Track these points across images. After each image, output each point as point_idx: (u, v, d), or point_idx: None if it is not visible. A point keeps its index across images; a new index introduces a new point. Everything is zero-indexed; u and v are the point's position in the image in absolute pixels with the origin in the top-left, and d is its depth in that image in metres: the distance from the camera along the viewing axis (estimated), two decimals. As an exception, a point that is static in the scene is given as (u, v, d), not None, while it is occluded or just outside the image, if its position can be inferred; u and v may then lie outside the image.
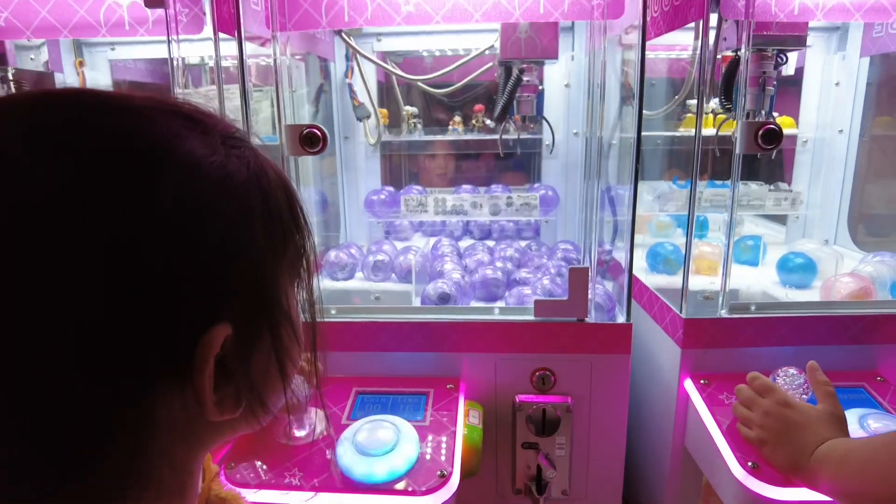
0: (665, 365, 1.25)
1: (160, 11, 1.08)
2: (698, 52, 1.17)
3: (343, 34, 1.58)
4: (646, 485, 1.44)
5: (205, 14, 1.10)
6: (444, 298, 1.30)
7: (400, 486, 0.93)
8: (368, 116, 1.76)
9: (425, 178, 1.96)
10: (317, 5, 1.12)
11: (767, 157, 1.12)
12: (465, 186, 1.80)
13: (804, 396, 0.97)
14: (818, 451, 0.83)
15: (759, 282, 1.46)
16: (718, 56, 1.21)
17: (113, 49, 1.63)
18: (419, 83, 1.67)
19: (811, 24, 1.21)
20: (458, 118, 1.81)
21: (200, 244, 0.35)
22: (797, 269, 1.42)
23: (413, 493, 0.91)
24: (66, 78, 1.59)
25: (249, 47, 1.11)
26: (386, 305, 1.41)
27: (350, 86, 1.72)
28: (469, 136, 1.80)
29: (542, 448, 1.18)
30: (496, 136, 1.52)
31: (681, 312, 1.17)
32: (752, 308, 1.18)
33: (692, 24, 1.18)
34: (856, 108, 1.62)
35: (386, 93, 1.84)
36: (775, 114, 1.29)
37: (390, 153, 1.89)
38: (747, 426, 0.97)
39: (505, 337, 1.18)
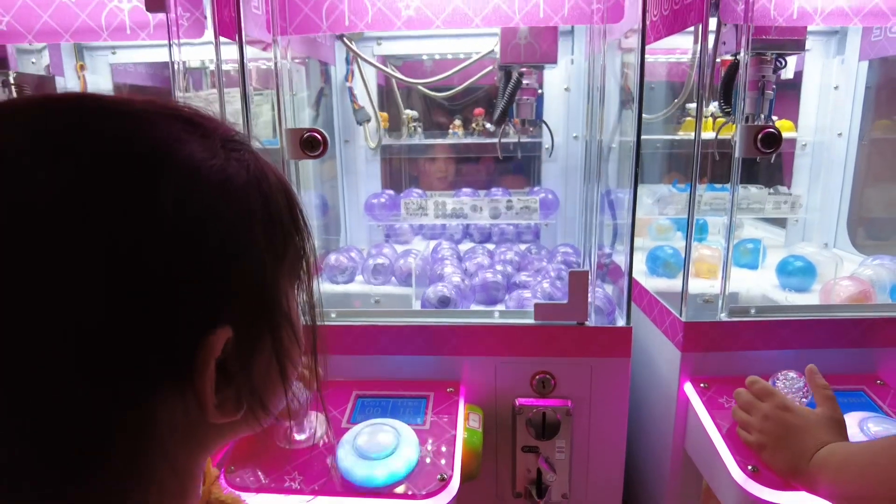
0: (665, 368, 1.25)
1: (161, 15, 1.08)
2: (698, 55, 1.18)
3: (344, 38, 1.58)
4: (646, 488, 1.43)
5: (206, 18, 1.11)
6: (444, 302, 1.30)
7: (400, 489, 0.93)
8: (368, 120, 1.77)
9: (425, 181, 1.96)
10: (317, 9, 1.13)
11: (767, 160, 1.12)
12: (465, 190, 1.80)
13: (804, 400, 0.97)
14: (817, 455, 0.83)
15: (758, 285, 1.46)
16: (718, 60, 1.22)
17: (114, 53, 1.64)
18: (419, 87, 1.67)
19: (810, 28, 1.22)
20: (458, 122, 1.82)
21: (201, 248, 0.35)
22: (797, 272, 1.42)
23: (413, 497, 0.91)
24: (67, 81, 1.59)
25: (250, 51, 1.11)
26: (386, 309, 1.41)
27: (350, 89, 1.73)
28: (469, 140, 1.81)
29: (542, 451, 1.18)
30: (496, 140, 1.53)
31: (680, 316, 1.17)
32: (752, 311, 1.18)
33: (692, 28, 1.19)
34: (855, 112, 1.62)
35: (386, 96, 1.84)
36: (774, 117, 1.30)
37: (390, 157, 1.90)
38: (747, 430, 0.97)
39: (505, 340, 1.18)
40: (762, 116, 1.24)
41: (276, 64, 1.16)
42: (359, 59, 1.65)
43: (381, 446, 0.96)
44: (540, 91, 1.44)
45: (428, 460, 0.98)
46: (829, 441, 0.84)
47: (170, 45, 1.08)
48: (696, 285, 1.26)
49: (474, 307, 1.36)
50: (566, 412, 1.16)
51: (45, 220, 0.31)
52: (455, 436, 1.05)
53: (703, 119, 1.13)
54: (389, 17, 1.11)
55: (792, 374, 1.00)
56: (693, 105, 1.36)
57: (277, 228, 0.41)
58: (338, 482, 0.94)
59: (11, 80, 1.34)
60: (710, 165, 1.28)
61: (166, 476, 0.38)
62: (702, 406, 1.10)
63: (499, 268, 1.46)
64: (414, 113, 1.81)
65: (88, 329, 0.32)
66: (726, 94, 1.26)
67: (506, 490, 1.25)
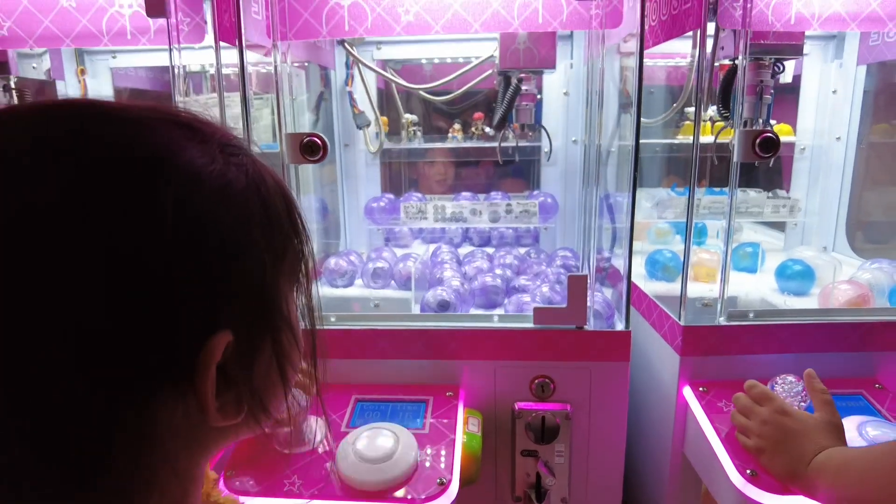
0: (664, 372, 1.25)
1: (162, 21, 1.08)
2: (696, 60, 1.18)
3: (345, 43, 1.59)
4: (645, 492, 1.43)
5: (206, 23, 1.11)
6: (443, 306, 1.30)
7: (399, 493, 0.93)
8: (368, 124, 1.77)
9: (425, 185, 1.97)
10: (317, 15, 1.13)
11: (766, 164, 1.13)
12: (464, 194, 1.80)
13: (802, 404, 0.97)
14: (816, 459, 0.83)
15: (757, 289, 1.46)
16: (716, 64, 1.22)
17: (114, 57, 1.64)
18: (419, 91, 1.68)
19: (808, 33, 1.22)
20: (457, 126, 1.82)
21: (201, 252, 0.35)
22: (795, 276, 1.42)
23: (412, 501, 0.91)
24: (68, 86, 1.60)
25: (250, 55, 1.12)
26: (385, 313, 1.41)
27: (350, 94, 1.73)
28: (468, 144, 1.81)
29: (542, 455, 1.18)
30: (495, 144, 1.53)
31: (679, 320, 1.17)
32: (751, 315, 1.18)
33: (690, 33, 1.19)
34: (853, 116, 1.63)
35: (386, 100, 1.85)
36: (773, 122, 1.30)
37: (390, 160, 1.90)
38: (745, 435, 0.97)
39: (504, 344, 1.18)
40: (760, 121, 1.25)
41: (276, 68, 1.16)
42: (359, 64, 1.66)
43: (381, 450, 0.96)
44: (539, 96, 1.44)
45: (427, 464, 0.98)
46: (827, 445, 0.84)
47: (170, 50, 1.09)
48: (695, 289, 1.27)
49: (473, 311, 1.36)
50: (565, 416, 1.16)
51: (46, 224, 0.31)
52: (454, 440, 1.05)
53: (702, 123, 1.14)
54: (389, 23, 1.12)
55: (791, 378, 1.01)
56: (692, 109, 1.37)
57: (276, 232, 0.41)
58: (337, 486, 0.94)
59: (12, 85, 1.35)
60: (709, 169, 1.28)
61: (168, 478, 0.38)
62: (701, 410, 1.10)
63: (498, 272, 1.46)
64: (413, 117, 1.82)
65: (88, 330, 0.32)
66: (725, 99, 1.26)
67: (505, 494, 1.25)
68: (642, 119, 1.12)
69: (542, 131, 1.63)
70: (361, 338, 1.20)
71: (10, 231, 0.31)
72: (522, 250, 1.71)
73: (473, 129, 1.80)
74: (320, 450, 1.02)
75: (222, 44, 1.11)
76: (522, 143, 1.51)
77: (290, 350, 0.44)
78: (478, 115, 1.80)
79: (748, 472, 0.93)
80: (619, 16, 1.10)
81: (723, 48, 1.18)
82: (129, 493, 0.36)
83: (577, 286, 1.14)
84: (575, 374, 1.18)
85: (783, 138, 1.10)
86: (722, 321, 1.17)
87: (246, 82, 1.10)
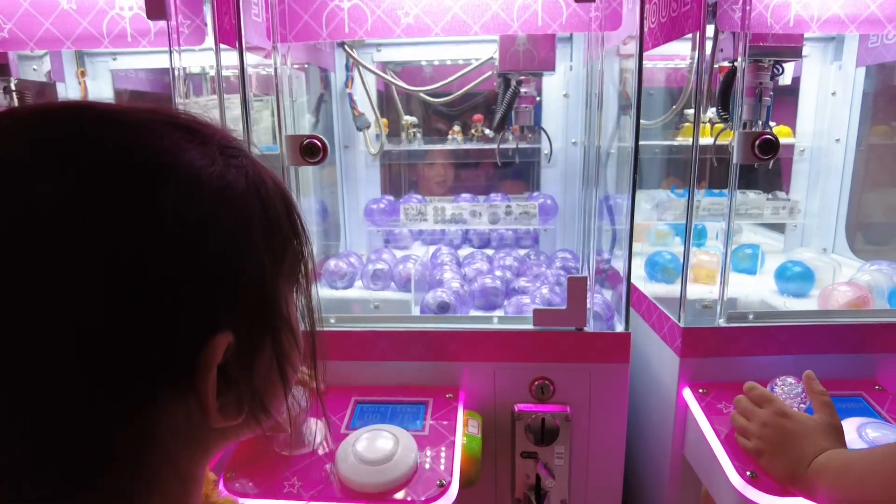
0: (664, 374, 1.25)
1: (162, 23, 1.09)
2: (695, 62, 1.19)
3: (345, 45, 1.59)
4: (645, 493, 1.43)
5: (206, 25, 1.11)
6: (443, 307, 1.30)
7: (399, 495, 0.93)
8: (368, 126, 1.77)
9: (425, 187, 1.97)
10: (317, 17, 1.13)
11: (765, 166, 1.13)
12: (464, 195, 1.80)
13: (802, 406, 0.97)
14: (816, 461, 0.83)
15: (757, 290, 1.46)
16: (715, 66, 1.22)
17: (115, 59, 1.64)
18: (419, 93, 1.68)
19: (807, 35, 1.22)
20: (457, 128, 1.82)
21: (201, 254, 0.36)
22: (795, 277, 1.42)
23: (412, 503, 0.91)
24: (68, 88, 1.60)
25: (250, 57, 1.12)
26: (385, 314, 1.41)
27: (350, 95, 1.74)
28: (468, 146, 1.81)
29: (541, 457, 1.18)
30: (495, 146, 1.53)
31: (679, 321, 1.17)
32: (751, 317, 1.18)
33: (689, 35, 1.19)
34: (852, 118, 1.63)
35: (386, 102, 1.85)
36: (772, 123, 1.30)
37: (390, 162, 1.90)
38: (745, 436, 0.97)
39: (504, 346, 1.18)
40: (760, 123, 1.25)
41: (276, 70, 1.16)
42: (359, 66, 1.66)
43: (381, 452, 0.96)
44: (538, 98, 1.44)
45: (427, 466, 0.98)
46: (827, 447, 0.84)
47: (170, 52, 1.09)
48: (695, 291, 1.27)
49: (473, 313, 1.36)
50: (565, 418, 1.16)
51: (47, 226, 0.31)
52: (454, 442, 1.05)
53: (701, 125, 1.14)
54: (389, 25, 1.12)
55: (790, 379, 1.01)
56: (691, 111, 1.37)
57: (276, 233, 0.41)
58: (337, 488, 0.94)
59: (13, 87, 1.35)
60: (709, 171, 1.29)
61: (169, 478, 0.38)
62: (700, 412, 1.10)
63: (498, 273, 1.47)
64: (413, 119, 1.82)
65: (88, 330, 0.32)
66: (724, 101, 1.27)
67: (505, 496, 1.25)
68: (642, 121, 1.13)
69: (542, 133, 1.63)
70: (361, 339, 1.20)
71: (10, 233, 0.31)
72: (522, 252, 1.71)
73: (473, 130, 1.80)
74: (320, 451, 1.02)
75: (222, 46, 1.11)
76: (522, 145, 1.51)
77: (290, 350, 0.44)
78: (477, 116, 1.80)
79: (748, 473, 0.93)
80: (619, 18, 1.10)
81: (722, 50, 1.18)
82: (129, 493, 0.36)
83: (576, 288, 1.14)
84: (575, 376, 1.18)
85: (782, 140, 1.10)
86: (722, 323, 1.17)
87: (246, 84, 1.10)
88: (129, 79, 1.72)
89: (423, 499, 0.92)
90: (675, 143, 1.67)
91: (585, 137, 1.31)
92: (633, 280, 1.23)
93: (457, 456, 1.02)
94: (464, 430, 1.10)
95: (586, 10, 1.10)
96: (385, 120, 1.82)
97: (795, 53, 1.23)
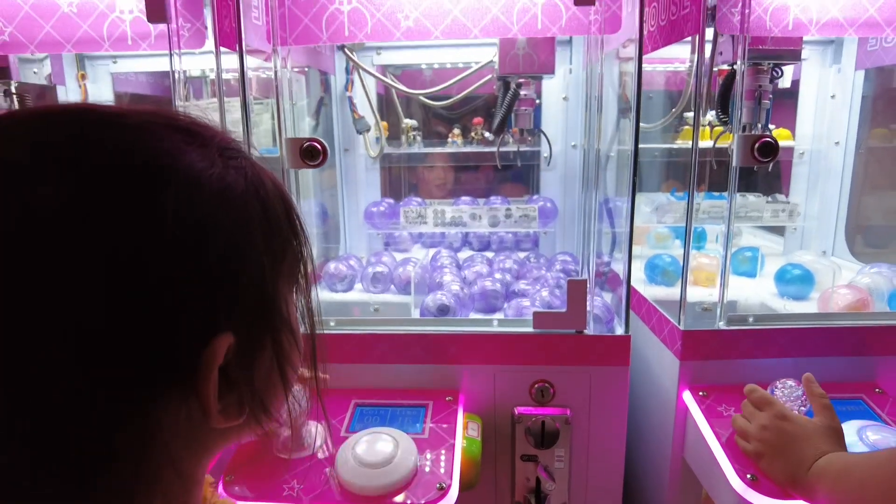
0: (664, 377, 1.25)
1: (162, 26, 1.09)
2: (695, 65, 1.19)
3: (345, 48, 1.59)
4: (645, 497, 1.43)
5: (206, 29, 1.12)
6: (443, 310, 1.30)
7: (399, 498, 0.92)
8: (368, 129, 1.78)
9: (425, 189, 1.97)
10: (317, 20, 1.14)
11: (765, 168, 1.13)
12: (464, 198, 1.80)
13: (802, 409, 0.97)
14: (816, 464, 0.83)
15: (757, 293, 1.46)
16: (714, 70, 1.23)
17: (115, 62, 1.65)
18: (419, 96, 1.68)
19: (806, 38, 1.23)
20: (457, 131, 1.82)
21: (201, 255, 0.36)
22: (795, 280, 1.42)
23: (412, 506, 0.91)
24: (69, 91, 1.60)
25: (250, 60, 1.12)
26: (385, 317, 1.41)
27: (350, 99, 1.74)
28: (468, 149, 1.81)
29: (541, 460, 1.18)
30: (495, 149, 1.53)
31: (679, 324, 1.17)
32: (750, 320, 1.18)
33: (689, 38, 1.19)
34: (852, 121, 1.63)
35: (386, 105, 1.85)
36: (772, 126, 1.30)
37: (390, 165, 1.90)
38: (745, 439, 0.97)
39: (504, 349, 1.18)
40: (759, 126, 1.25)
41: (276, 73, 1.16)
42: (359, 69, 1.66)
43: (380, 455, 0.96)
44: (538, 101, 1.44)
45: (427, 469, 0.98)
46: (827, 450, 0.84)
47: (171, 55, 1.09)
48: (695, 293, 1.27)
49: (473, 315, 1.36)
50: (565, 421, 1.16)
51: (47, 228, 0.32)
52: (454, 444, 1.05)
53: (701, 128, 1.14)
54: (389, 28, 1.12)
55: (790, 382, 1.00)
56: (691, 114, 1.37)
57: (275, 234, 0.42)
58: (336, 491, 0.94)
59: (13, 90, 1.35)
60: (708, 174, 1.29)
61: (171, 479, 0.38)
62: (700, 414, 1.10)
63: (498, 276, 1.47)
64: (413, 122, 1.82)
65: (88, 330, 0.32)
66: (723, 104, 1.27)
67: (505, 499, 1.24)
68: (641, 124, 1.13)
69: (542, 136, 1.64)
70: (361, 342, 1.20)
71: (10, 235, 0.31)
72: (522, 255, 1.71)
73: (473, 133, 1.80)
74: (320, 455, 1.02)
75: (222, 49, 1.11)
76: (522, 148, 1.52)
77: (291, 351, 0.44)
78: (477, 119, 1.80)
79: (748, 476, 0.92)
80: (618, 21, 1.10)
81: (721, 53, 1.19)
82: (130, 493, 0.36)
83: (576, 291, 1.14)
84: (575, 379, 1.18)
85: (782, 143, 1.10)
86: (721, 325, 1.17)
87: (246, 87, 1.11)
88: (129, 82, 1.72)
89: (422, 502, 0.91)
90: (675, 146, 1.67)
91: (585, 140, 1.31)
92: (632, 283, 1.23)
93: (457, 459, 1.02)
94: (464, 433, 1.10)
95: (586, 14, 1.10)
96: (385, 123, 1.82)
97: (794, 56, 1.23)
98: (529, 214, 1.57)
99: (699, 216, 1.43)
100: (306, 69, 1.62)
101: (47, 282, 0.31)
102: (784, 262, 1.51)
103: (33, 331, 0.31)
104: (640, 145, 1.13)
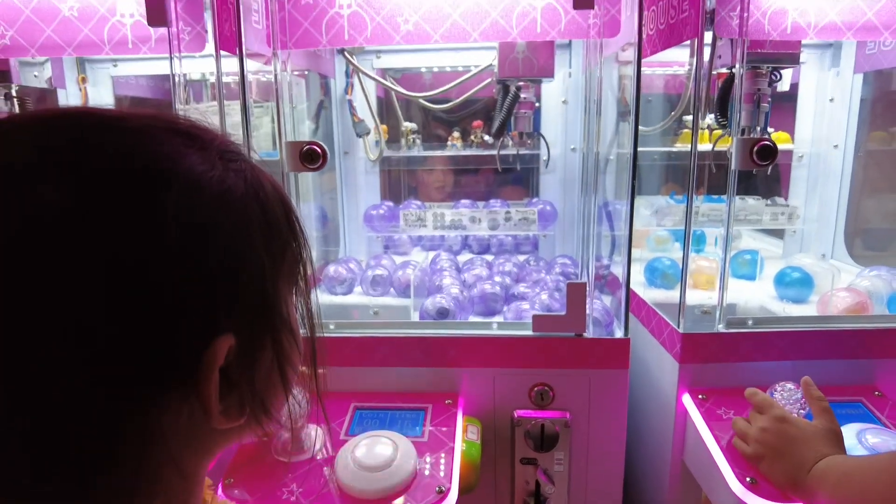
0: (663, 380, 1.25)
1: (163, 30, 1.09)
2: (694, 69, 1.19)
3: (345, 52, 1.60)
4: (644, 500, 1.43)
5: (207, 32, 1.12)
6: (442, 313, 1.30)
7: (398, 501, 0.92)
8: (368, 132, 1.78)
9: (424, 192, 1.97)
10: (317, 24, 1.14)
11: (764, 172, 1.13)
12: (463, 201, 1.81)
13: (802, 411, 0.97)
14: (816, 467, 0.83)
15: (756, 296, 1.46)
16: (713, 73, 1.23)
17: (115, 65, 1.65)
18: (419, 99, 1.69)
19: (805, 42, 1.23)
20: (456, 134, 1.83)
21: (202, 258, 0.36)
22: (794, 283, 1.42)
23: (411, 509, 0.91)
24: (69, 94, 1.60)
25: (250, 64, 1.12)
26: (384, 320, 1.41)
27: (350, 102, 1.74)
28: (468, 152, 1.82)
29: (541, 463, 1.18)
30: (494, 152, 1.54)
31: (678, 327, 1.17)
32: (750, 323, 1.18)
33: (688, 42, 1.20)
34: (850, 124, 1.63)
35: (385, 109, 1.86)
36: (771, 129, 1.31)
37: (390, 168, 1.91)
38: (744, 441, 0.97)
39: (503, 352, 1.18)
40: (758, 129, 1.25)
41: (276, 77, 1.17)
42: (358, 72, 1.66)
43: (380, 458, 0.96)
44: (537, 104, 1.45)
45: (426, 472, 0.98)
46: (827, 453, 0.84)
47: (171, 59, 1.10)
48: (694, 296, 1.27)
49: (473, 319, 1.36)
50: (564, 424, 1.16)
51: (48, 230, 0.32)
52: (453, 448, 1.04)
53: (700, 131, 1.14)
54: (388, 32, 1.13)
55: (790, 385, 1.01)
56: (690, 117, 1.38)
57: (275, 235, 0.42)
58: (335, 494, 0.94)
59: (14, 93, 1.36)
60: (708, 177, 1.29)
61: (172, 478, 0.38)
62: (700, 418, 1.10)
63: (497, 279, 1.47)
64: (413, 125, 1.83)
65: (88, 329, 0.32)
66: (722, 107, 1.27)
67: (504, 502, 1.24)
68: (640, 127, 1.13)
69: (541, 139, 1.64)
70: (360, 345, 1.20)
71: (11, 237, 0.31)
72: (521, 258, 1.71)
73: (472, 137, 1.81)
74: (319, 458, 1.02)
75: (223, 52, 1.11)
76: (521, 151, 1.52)
77: (291, 352, 0.44)
78: (477, 123, 1.80)
79: (748, 479, 0.92)
80: (617, 25, 1.11)
81: (720, 57, 1.19)
82: (131, 492, 0.36)
83: (576, 294, 1.14)
84: (574, 382, 1.18)
85: (781, 146, 1.10)
86: (721, 328, 1.17)
87: (246, 91, 1.11)
88: (129, 85, 1.73)
89: (422, 505, 0.91)
90: (674, 149, 1.68)
91: (584, 144, 1.31)
92: (632, 286, 1.23)
93: (456, 462, 1.02)
94: (463, 436, 1.10)
95: (585, 17, 1.10)
96: (385, 126, 1.82)
97: (793, 60, 1.23)
98: (529, 217, 1.57)
99: (698, 219, 1.43)
100: (306, 73, 1.62)
101: (48, 282, 0.31)
102: (783, 265, 1.51)
103: (34, 329, 0.32)
104: (640, 148, 1.14)
